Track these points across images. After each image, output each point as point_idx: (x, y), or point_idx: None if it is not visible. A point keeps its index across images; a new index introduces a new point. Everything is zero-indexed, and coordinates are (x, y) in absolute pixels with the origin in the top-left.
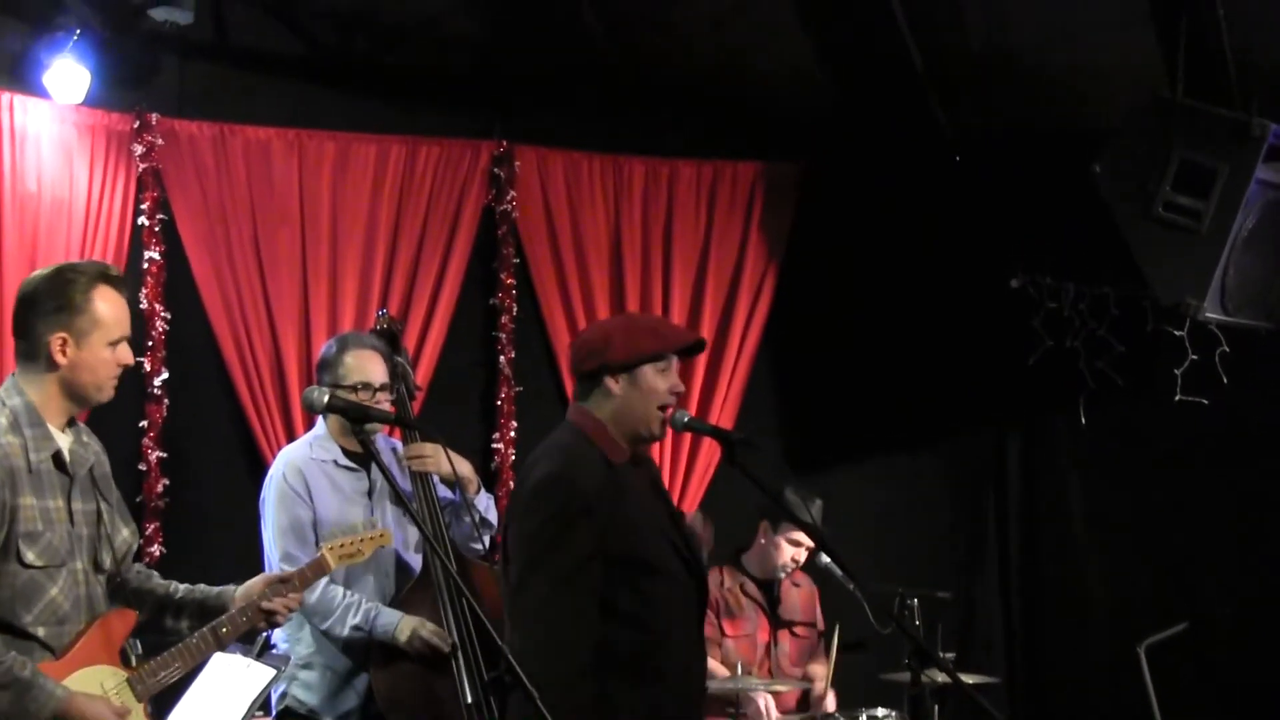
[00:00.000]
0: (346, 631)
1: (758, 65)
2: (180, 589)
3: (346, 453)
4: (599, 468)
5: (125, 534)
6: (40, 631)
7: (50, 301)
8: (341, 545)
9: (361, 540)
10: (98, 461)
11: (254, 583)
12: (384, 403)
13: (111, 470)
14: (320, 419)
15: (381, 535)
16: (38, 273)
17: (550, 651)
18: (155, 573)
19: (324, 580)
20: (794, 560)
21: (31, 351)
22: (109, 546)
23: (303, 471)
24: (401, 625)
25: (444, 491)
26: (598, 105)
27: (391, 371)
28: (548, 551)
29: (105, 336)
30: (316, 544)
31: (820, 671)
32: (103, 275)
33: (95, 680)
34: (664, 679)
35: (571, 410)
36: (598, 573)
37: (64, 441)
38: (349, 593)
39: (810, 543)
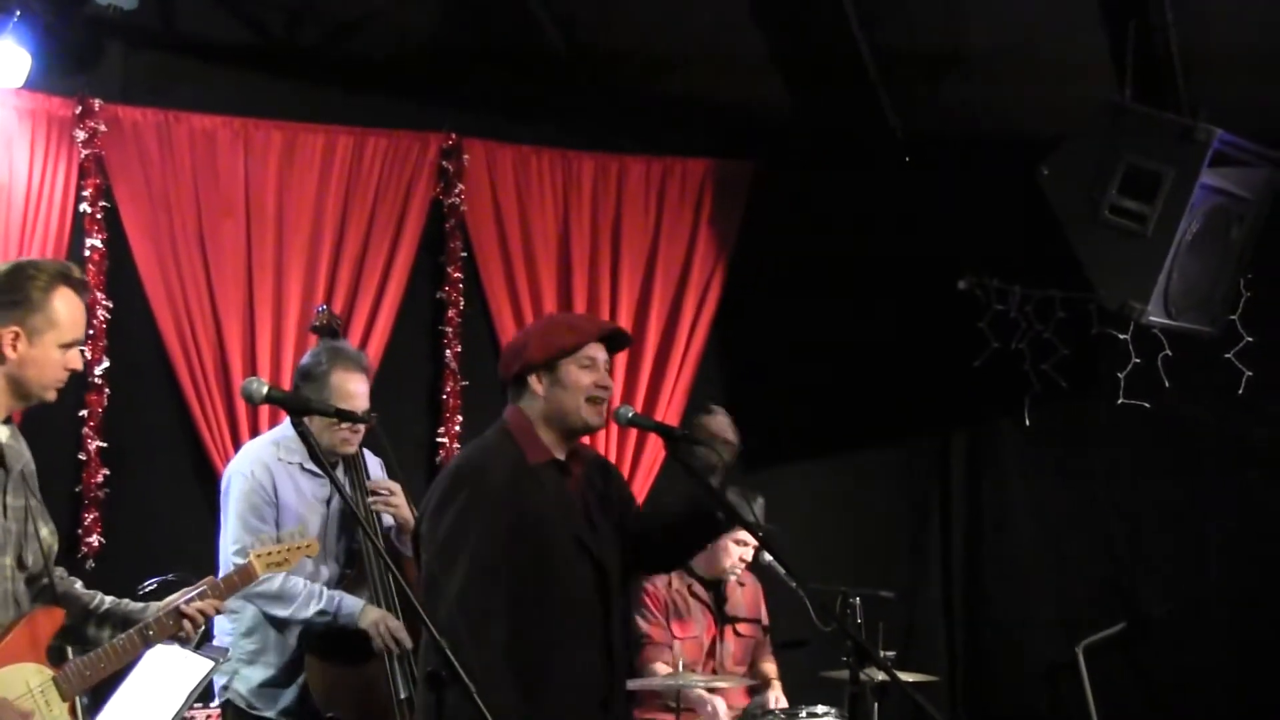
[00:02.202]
0: (310, 614)
1: (709, 62)
2: (106, 600)
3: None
4: (511, 465)
5: (45, 533)
6: None
7: (6, 295)
8: (270, 553)
9: (289, 549)
10: (26, 462)
11: (174, 597)
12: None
13: (51, 460)
14: (287, 419)
15: (309, 545)
16: None
17: (469, 642)
18: (79, 580)
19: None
20: (741, 560)
21: None
22: (35, 544)
23: (271, 470)
24: (366, 611)
25: (388, 520)
26: (547, 99)
27: None
28: (459, 545)
29: (58, 338)
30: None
31: (772, 669)
32: (64, 276)
33: (20, 678)
34: (561, 680)
35: (506, 409)
36: (503, 569)
37: (2, 435)
38: (307, 581)
39: (754, 542)
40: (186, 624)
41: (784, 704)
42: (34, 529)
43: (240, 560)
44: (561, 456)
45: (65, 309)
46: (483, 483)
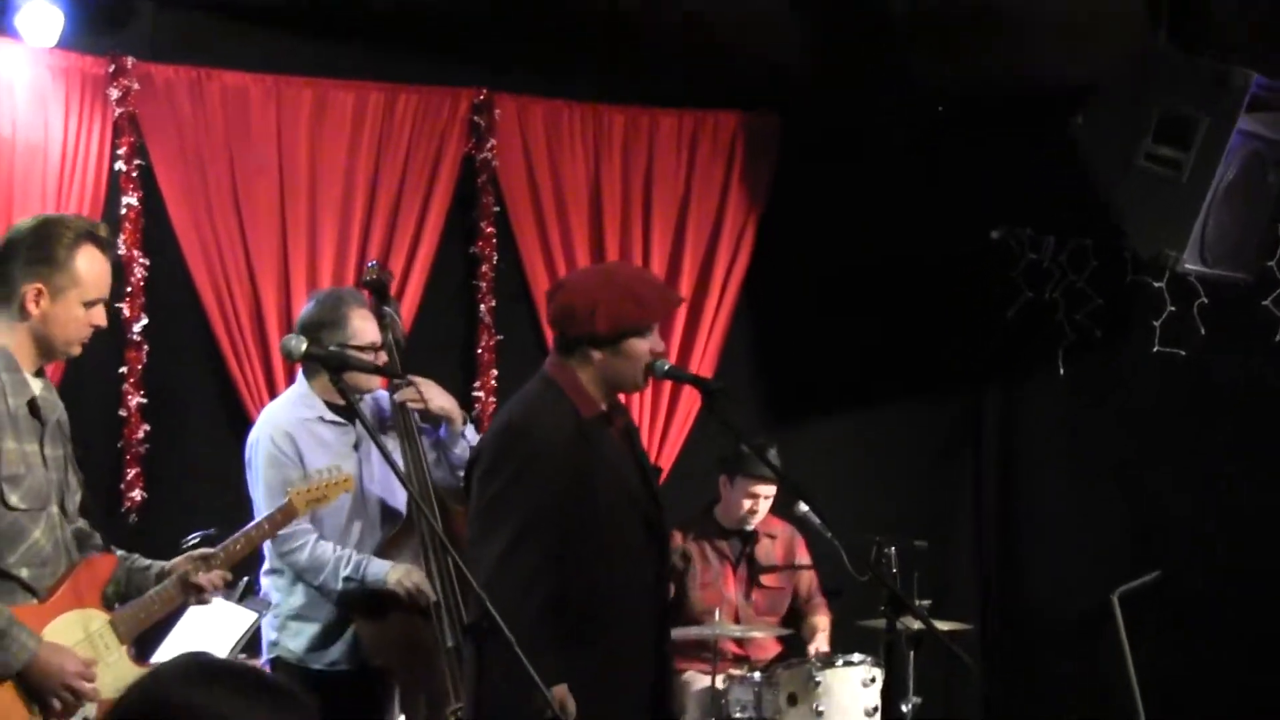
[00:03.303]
0: (339, 584)
1: (739, 14)
2: (118, 554)
3: (331, 406)
4: (566, 420)
5: (74, 483)
6: (24, 573)
7: (32, 251)
8: (309, 490)
9: (325, 485)
10: (61, 413)
11: (181, 559)
12: (378, 361)
13: (93, 416)
14: (301, 374)
15: (345, 480)
16: (24, 221)
17: (510, 603)
18: (97, 533)
19: (314, 537)
20: (751, 511)
21: (6, 298)
22: (75, 493)
23: (290, 434)
24: (390, 570)
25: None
26: (578, 53)
27: (381, 322)
28: (508, 504)
29: (81, 295)
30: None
31: (823, 623)
32: (89, 234)
33: (80, 623)
34: (612, 635)
35: (549, 361)
36: (556, 525)
37: (37, 387)
38: (337, 547)
39: (765, 492)
40: (205, 596)
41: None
42: (72, 478)
43: None
44: (605, 408)
45: (89, 267)
46: (536, 440)
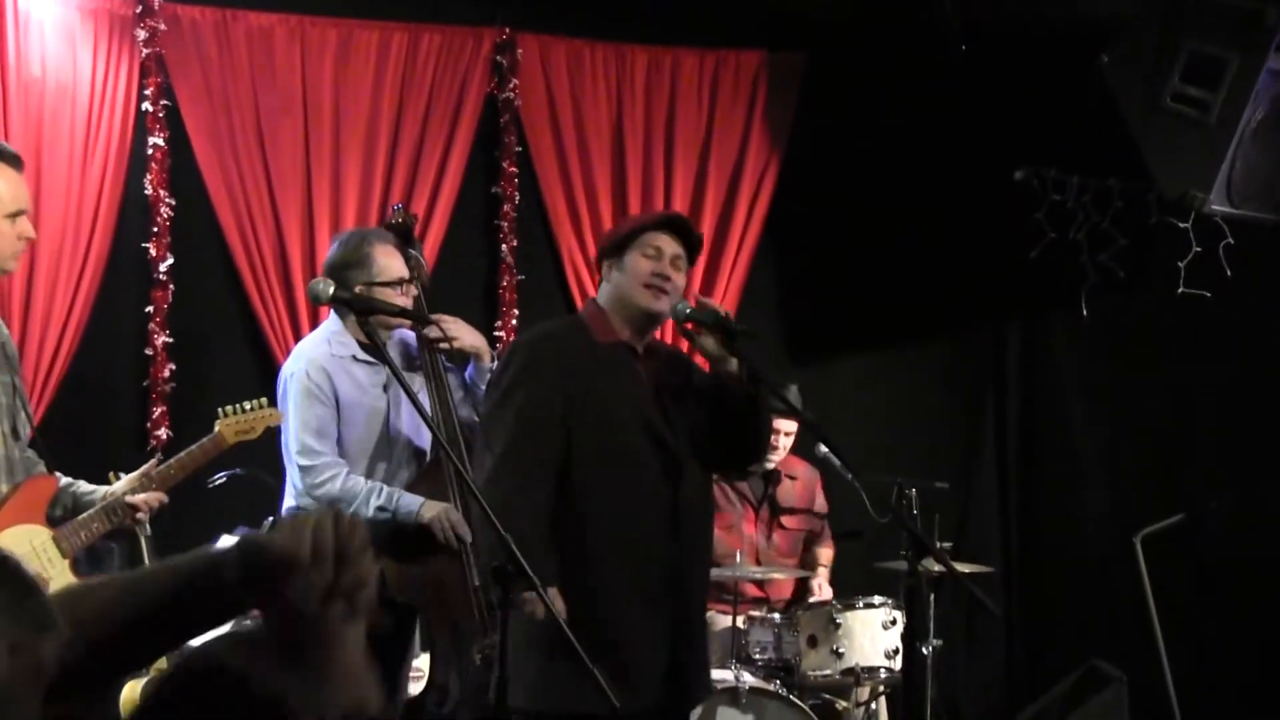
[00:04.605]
0: (370, 513)
1: None
2: (63, 480)
3: (364, 346)
4: (577, 341)
5: (22, 409)
6: None
7: None
8: (237, 421)
9: (255, 417)
10: (7, 340)
11: (133, 475)
12: (408, 296)
13: (119, 355)
14: (333, 313)
15: (271, 415)
16: None
17: (504, 505)
18: (42, 461)
19: (344, 469)
20: (771, 448)
21: None
22: (26, 417)
23: (326, 370)
24: (426, 505)
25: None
26: None
27: (407, 264)
28: (504, 411)
29: (2, 210)
30: (339, 441)
31: (826, 556)
32: None
33: (25, 538)
34: (620, 552)
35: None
36: (554, 434)
37: None
38: (369, 480)
39: (785, 428)
40: (139, 514)
41: (827, 592)
42: (21, 404)
43: (304, 460)
44: (632, 343)
45: (4, 182)
46: (542, 348)
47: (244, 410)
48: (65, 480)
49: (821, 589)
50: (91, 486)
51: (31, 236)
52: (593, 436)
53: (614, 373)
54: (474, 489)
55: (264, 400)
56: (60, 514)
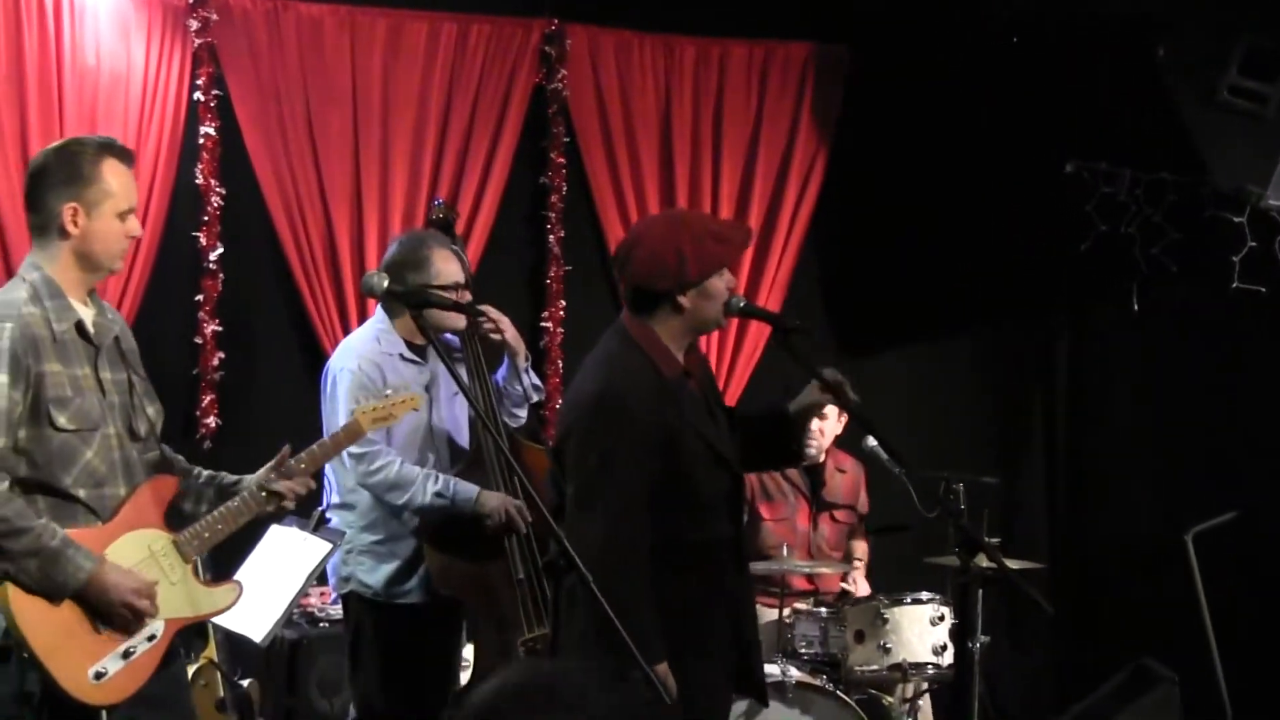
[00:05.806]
0: (428, 499)
1: None
2: (203, 474)
3: (410, 345)
4: (650, 382)
5: (151, 411)
6: (81, 494)
7: (60, 173)
8: (374, 409)
9: (392, 404)
10: (123, 335)
11: (273, 462)
12: (462, 300)
13: (170, 344)
14: (381, 311)
15: (412, 399)
16: (42, 151)
17: (617, 582)
18: (181, 456)
19: (399, 457)
20: (817, 445)
21: (44, 224)
22: (143, 416)
23: (379, 364)
24: (485, 495)
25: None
26: None
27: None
28: (608, 480)
29: (115, 207)
30: (388, 434)
31: (862, 549)
32: (108, 147)
33: (143, 542)
34: (691, 588)
35: (627, 319)
36: (648, 492)
37: (86, 313)
38: (425, 467)
39: (829, 414)
40: (285, 503)
41: (864, 587)
42: (140, 403)
43: (357, 449)
44: (688, 367)
45: (116, 178)
46: (631, 412)
47: (383, 398)
48: (207, 473)
49: (858, 585)
50: (236, 476)
51: (138, 234)
52: (669, 480)
53: (682, 409)
54: (523, 479)
55: (407, 385)
56: (204, 509)
